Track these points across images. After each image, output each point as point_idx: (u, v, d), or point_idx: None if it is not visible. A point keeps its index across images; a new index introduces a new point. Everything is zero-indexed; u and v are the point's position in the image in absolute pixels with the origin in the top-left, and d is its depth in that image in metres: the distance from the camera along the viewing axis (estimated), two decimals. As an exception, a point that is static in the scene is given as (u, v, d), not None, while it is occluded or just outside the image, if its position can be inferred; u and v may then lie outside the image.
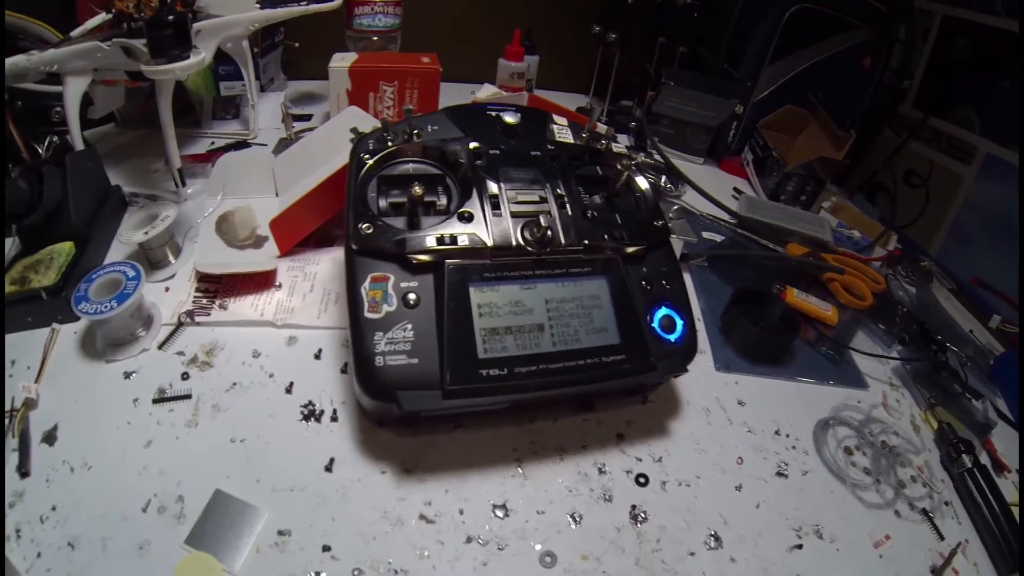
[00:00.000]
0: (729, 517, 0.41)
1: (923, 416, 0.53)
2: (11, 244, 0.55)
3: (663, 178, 0.77)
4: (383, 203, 0.41)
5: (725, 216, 0.74)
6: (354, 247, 0.38)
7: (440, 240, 0.38)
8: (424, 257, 0.37)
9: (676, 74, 0.85)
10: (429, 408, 0.36)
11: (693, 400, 0.49)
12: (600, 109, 0.47)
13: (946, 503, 0.46)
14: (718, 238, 0.70)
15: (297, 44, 0.91)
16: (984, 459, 0.48)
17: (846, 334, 0.60)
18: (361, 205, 0.39)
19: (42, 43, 0.69)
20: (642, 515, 0.40)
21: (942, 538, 0.43)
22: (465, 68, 0.82)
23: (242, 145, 0.75)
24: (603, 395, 0.47)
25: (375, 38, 0.82)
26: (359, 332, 0.36)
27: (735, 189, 0.85)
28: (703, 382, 0.51)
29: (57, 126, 0.66)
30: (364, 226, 0.38)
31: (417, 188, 0.37)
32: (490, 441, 0.43)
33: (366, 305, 0.36)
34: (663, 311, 0.43)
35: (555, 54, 1.02)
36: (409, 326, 0.36)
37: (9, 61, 0.58)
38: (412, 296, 0.37)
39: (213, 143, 0.75)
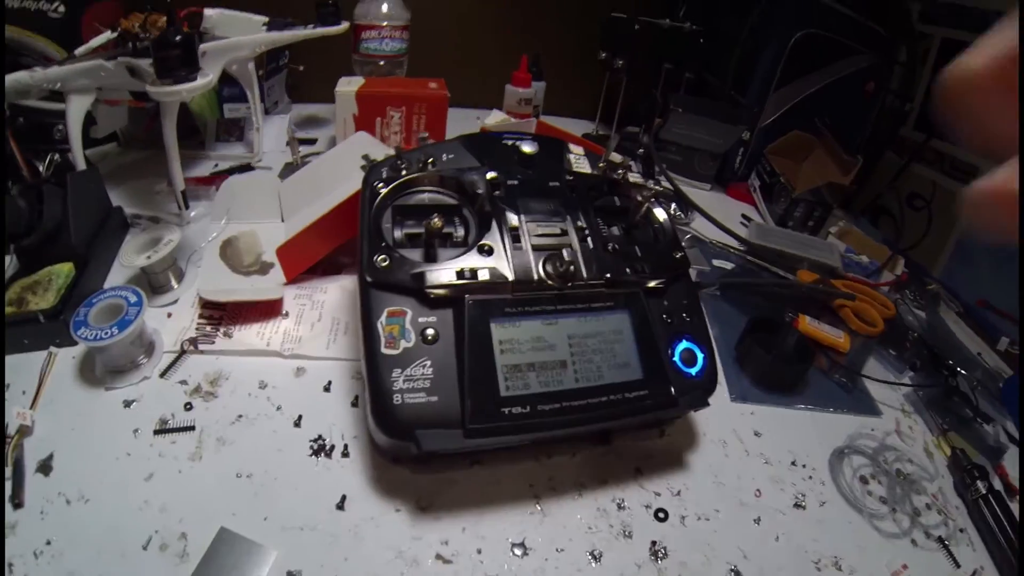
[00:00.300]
0: (748, 551, 0.40)
1: (936, 442, 0.52)
2: (9, 263, 0.53)
3: (672, 205, 0.76)
4: (398, 234, 0.40)
5: (735, 243, 0.74)
6: (369, 279, 0.36)
7: (460, 274, 0.36)
8: (443, 291, 0.36)
9: (683, 100, 0.85)
10: (450, 448, 0.34)
11: (710, 432, 0.48)
12: (617, 138, 0.46)
13: (961, 530, 0.45)
14: (728, 266, 0.69)
15: (302, 67, 0.90)
16: (997, 484, 0.47)
17: (858, 361, 0.59)
18: (376, 236, 0.38)
19: (45, 60, 0.68)
20: (662, 551, 0.39)
21: (958, 566, 0.42)
22: (470, 93, 0.82)
23: (246, 168, 0.73)
24: (621, 429, 0.45)
25: (382, 63, 0.81)
26: (376, 369, 0.34)
27: (743, 216, 0.84)
28: (719, 413, 0.50)
29: (58, 144, 0.66)
30: (380, 258, 0.36)
31: (436, 220, 0.36)
32: (508, 477, 0.41)
33: (383, 340, 0.35)
34: (684, 344, 0.42)
35: (561, 80, 1.02)
36: (428, 363, 0.35)
37: (12, 77, 0.57)
38: (431, 332, 0.35)
39: (217, 165, 0.74)
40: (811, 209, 0.78)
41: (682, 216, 0.75)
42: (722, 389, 0.52)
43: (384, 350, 0.34)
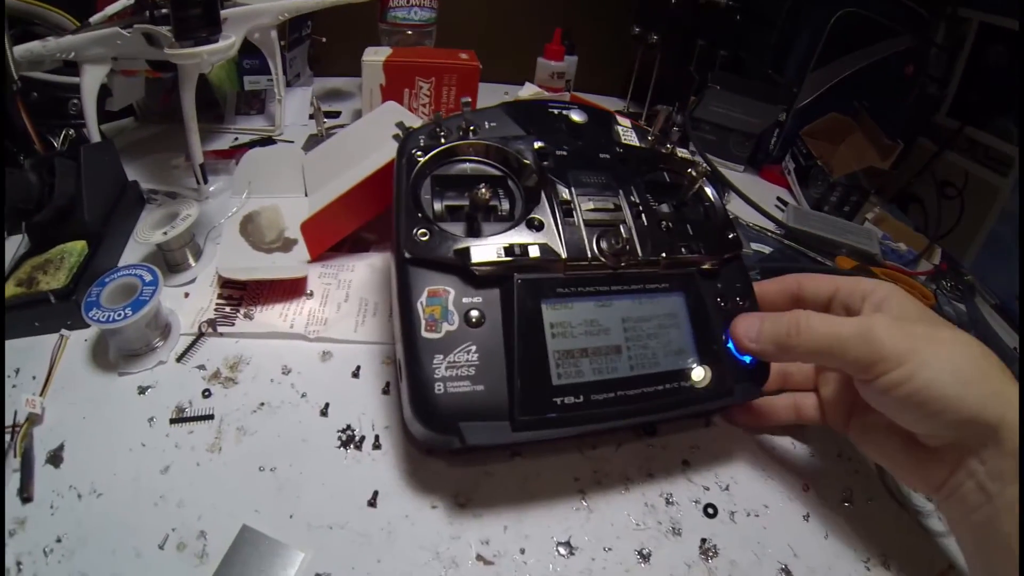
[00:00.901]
0: (798, 549, 0.37)
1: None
2: (19, 241, 0.50)
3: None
4: (438, 206, 0.36)
5: (772, 227, 0.71)
6: (408, 255, 0.33)
7: (509, 250, 0.33)
8: (490, 269, 0.32)
9: (721, 77, 0.81)
10: (497, 442, 0.31)
11: (756, 423, 0.45)
12: (670, 110, 0.42)
13: None
14: (767, 250, 0.66)
15: (324, 39, 0.87)
16: None
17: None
18: (415, 208, 0.34)
19: (59, 31, 0.65)
20: (712, 550, 0.36)
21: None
22: (499, 68, 0.79)
23: (267, 141, 0.70)
24: (669, 419, 0.42)
25: (409, 32, 0.78)
26: (415, 354, 0.31)
27: (778, 199, 0.81)
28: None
29: (73, 119, 0.63)
30: (420, 232, 0.33)
31: (484, 191, 0.32)
32: (550, 470, 0.38)
33: (423, 323, 0.31)
34: (740, 330, 0.38)
35: (592, 56, 0.98)
36: (473, 348, 0.31)
37: (24, 47, 0.54)
38: (475, 313, 0.32)
39: (237, 139, 0.71)
40: (847, 194, 0.74)
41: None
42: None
43: (424, 333, 0.31)
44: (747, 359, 0.38)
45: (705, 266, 0.38)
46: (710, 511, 0.38)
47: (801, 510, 0.40)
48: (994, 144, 0.93)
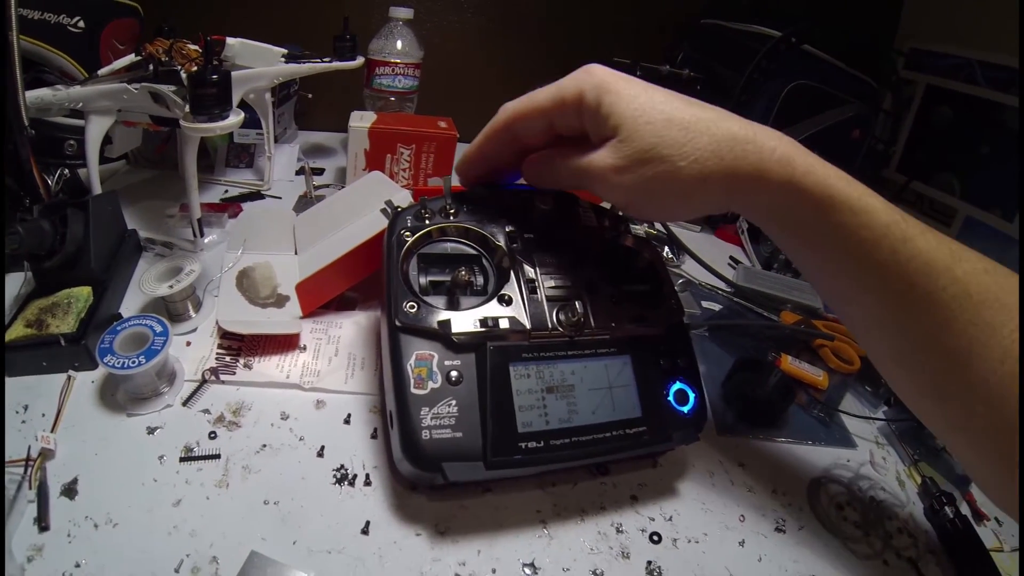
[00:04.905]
0: (735, 571, 0.46)
1: (907, 472, 0.59)
2: (21, 279, 0.57)
3: (665, 248, 0.83)
4: (423, 280, 0.46)
5: (723, 286, 0.81)
6: (399, 324, 0.42)
7: (483, 322, 0.43)
8: (467, 338, 0.42)
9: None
10: (472, 479, 0.41)
11: (698, 463, 0.55)
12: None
13: (930, 552, 0.51)
14: (716, 307, 0.76)
15: (310, 95, 0.96)
16: (965, 509, 0.54)
17: (836, 397, 0.67)
18: (404, 284, 0.44)
19: (64, 76, 0.72)
20: (657, 570, 0.45)
21: (927, 582, 0.48)
22: (475, 130, 0.91)
23: (256, 196, 0.78)
24: (619, 460, 0.52)
25: (393, 99, 0.88)
26: (405, 407, 0.40)
27: (731, 258, 0.92)
28: (707, 446, 0.56)
29: (69, 159, 0.69)
30: (408, 305, 0.43)
31: (464, 274, 0.43)
32: (517, 503, 0.47)
33: (412, 381, 0.41)
34: (677, 385, 0.49)
35: None
36: (453, 402, 0.41)
37: (34, 94, 0.61)
38: (455, 374, 0.42)
39: (227, 191, 0.79)
40: (795, 252, 0.85)
41: (674, 259, 0.83)
42: (710, 424, 0.58)
43: (413, 390, 0.41)
44: (686, 409, 0.49)
45: (649, 333, 0.49)
46: (655, 538, 0.47)
47: (737, 537, 0.49)
48: (938, 197, 1.06)
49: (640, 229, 0.54)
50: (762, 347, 0.68)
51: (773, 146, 0.37)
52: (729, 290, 0.80)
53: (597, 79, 0.40)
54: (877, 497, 0.55)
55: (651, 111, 0.38)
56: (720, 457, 0.56)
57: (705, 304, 0.76)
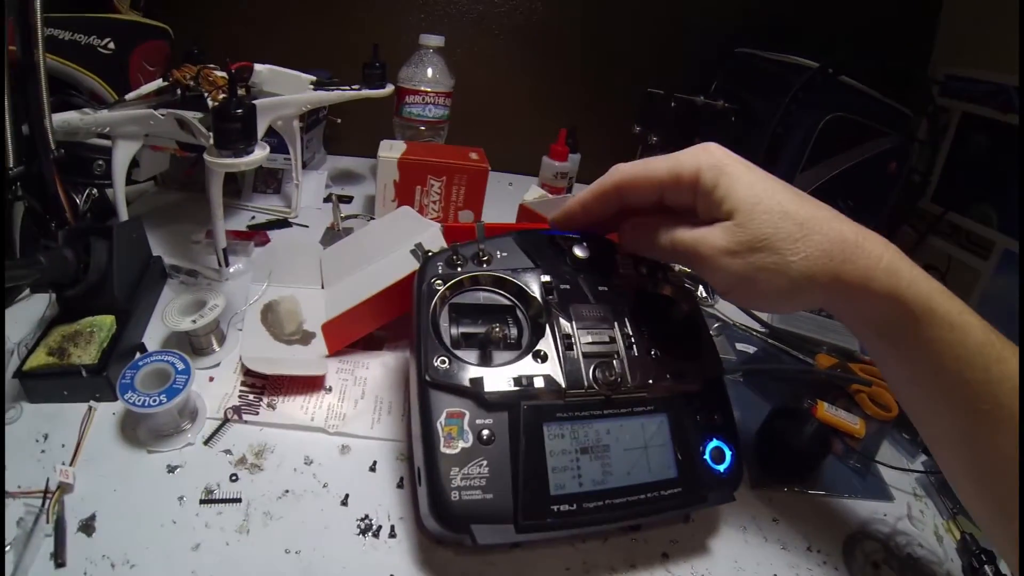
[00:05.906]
0: (769, 633, 0.45)
1: (946, 526, 0.58)
2: (46, 302, 0.58)
3: (700, 288, 0.83)
4: (455, 332, 0.45)
5: (757, 327, 0.80)
6: (429, 379, 0.42)
7: (517, 381, 0.42)
8: (500, 396, 0.41)
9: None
10: (502, 542, 0.40)
11: (731, 518, 0.53)
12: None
13: None
14: (751, 349, 0.75)
15: (339, 120, 0.96)
16: (1004, 568, 0.51)
17: (872, 446, 0.65)
18: (435, 336, 0.43)
19: (93, 97, 0.73)
20: (687, 634, 0.44)
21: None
22: (505, 159, 0.89)
23: (283, 223, 0.79)
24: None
25: (423, 128, 0.87)
26: (434, 466, 0.39)
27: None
28: (740, 499, 0.54)
29: (98, 179, 0.70)
30: (439, 359, 0.42)
31: (497, 330, 0.42)
32: (546, 560, 0.46)
33: (442, 440, 0.40)
34: (714, 443, 0.47)
35: (593, 152, 1.09)
36: (484, 462, 0.40)
37: (62, 117, 0.61)
38: (486, 432, 0.41)
39: (253, 217, 0.79)
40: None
41: (708, 298, 0.82)
42: (744, 475, 0.58)
43: (443, 449, 0.40)
44: (722, 467, 0.48)
45: (688, 389, 0.48)
46: (686, 599, 0.46)
47: (770, 597, 0.48)
48: (975, 229, 1.04)
49: (677, 275, 0.53)
50: (798, 393, 0.67)
51: (880, 254, 0.38)
52: (764, 331, 0.79)
53: (715, 159, 0.41)
54: (915, 554, 0.54)
55: (768, 200, 0.39)
56: (753, 512, 0.55)
57: (740, 347, 0.75)
